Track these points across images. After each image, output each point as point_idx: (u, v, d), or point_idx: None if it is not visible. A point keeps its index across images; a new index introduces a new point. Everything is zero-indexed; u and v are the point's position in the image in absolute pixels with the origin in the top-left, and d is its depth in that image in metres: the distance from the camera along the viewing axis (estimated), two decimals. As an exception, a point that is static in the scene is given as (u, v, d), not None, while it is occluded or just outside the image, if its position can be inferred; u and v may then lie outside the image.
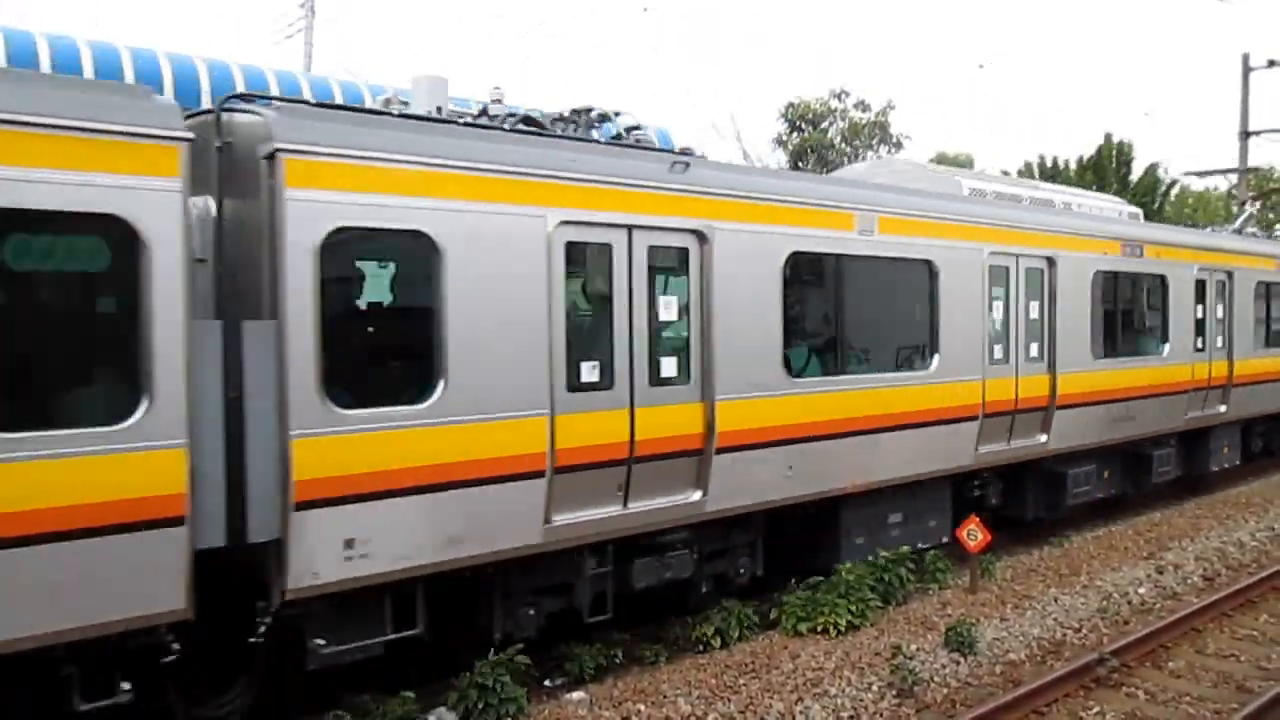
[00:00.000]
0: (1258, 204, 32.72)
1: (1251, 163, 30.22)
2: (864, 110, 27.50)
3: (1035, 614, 10.20)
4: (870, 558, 10.51)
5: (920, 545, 11.37)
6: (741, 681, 8.24)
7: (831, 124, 27.37)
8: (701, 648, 9.23)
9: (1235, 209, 32.11)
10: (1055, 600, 10.65)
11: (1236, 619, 10.57)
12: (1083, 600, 10.74)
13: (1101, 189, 35.32)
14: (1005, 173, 38.42)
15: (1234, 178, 30.25)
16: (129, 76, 9.51)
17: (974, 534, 10.91)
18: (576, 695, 7.99)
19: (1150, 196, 35.39)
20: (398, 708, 7.18)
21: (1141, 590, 11.31)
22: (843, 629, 9.37)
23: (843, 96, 27.43)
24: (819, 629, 9.39)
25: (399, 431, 6.98)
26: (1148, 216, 34.15)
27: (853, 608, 9.61)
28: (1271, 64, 27.27)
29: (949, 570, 11.33)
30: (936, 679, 8.54)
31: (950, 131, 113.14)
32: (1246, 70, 28.43)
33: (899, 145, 27.79)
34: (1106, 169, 35.62)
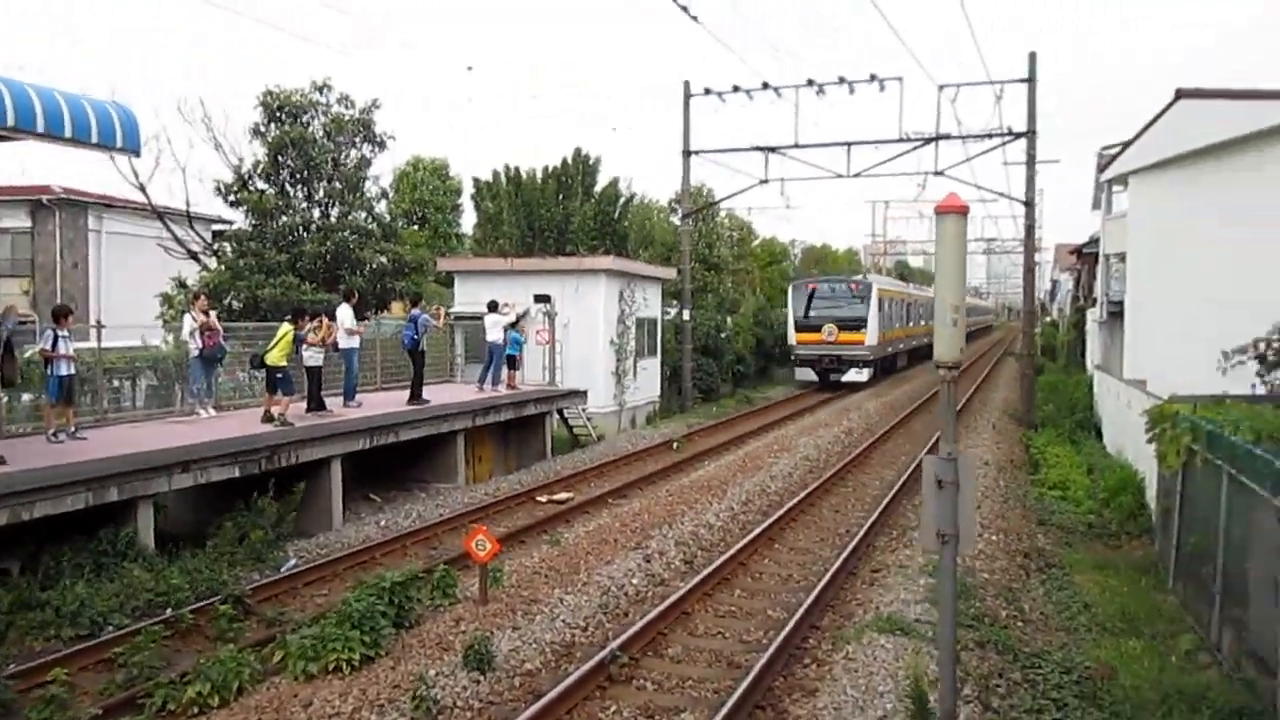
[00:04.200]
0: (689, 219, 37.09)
1: (695, 179, 34.18)
2: (348, 106, 26.46)
3: (545, 618, 10.33)
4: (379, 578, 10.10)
5: None
6: (248, 744, 7.30)
7: (313, 118, 25.98)
8: (197, 709, 8.06)
9: (676, 220, 36.28)
10: (561, 601, 10.89)
11: (716, 597, 11.61)
12: (586, 598, 11.10)
13: (567, 197, 37.93)
14: (476, 180, 39.76)
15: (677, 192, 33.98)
16: None
17: (482, 544, 10.80)
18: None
19: (612, 206, 38.60)
20: None
21: (635, 581, 11.99)
22: (357, 664, 8.73)
23: (325, 90, 26.17)
24: (331, 667, 8.66)
25: None
26: (610, 224, 37.58)
27: (365, 638, 9.01)
28: (708, 92, 30.92)
29: (457, 583, 11.14)
30: (459, 703, 8.26)
31: (435, 133, 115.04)
32: (687, 96, 32.00)
33: (382, 145, 27.17)
34: (573, 179, 38.20)
